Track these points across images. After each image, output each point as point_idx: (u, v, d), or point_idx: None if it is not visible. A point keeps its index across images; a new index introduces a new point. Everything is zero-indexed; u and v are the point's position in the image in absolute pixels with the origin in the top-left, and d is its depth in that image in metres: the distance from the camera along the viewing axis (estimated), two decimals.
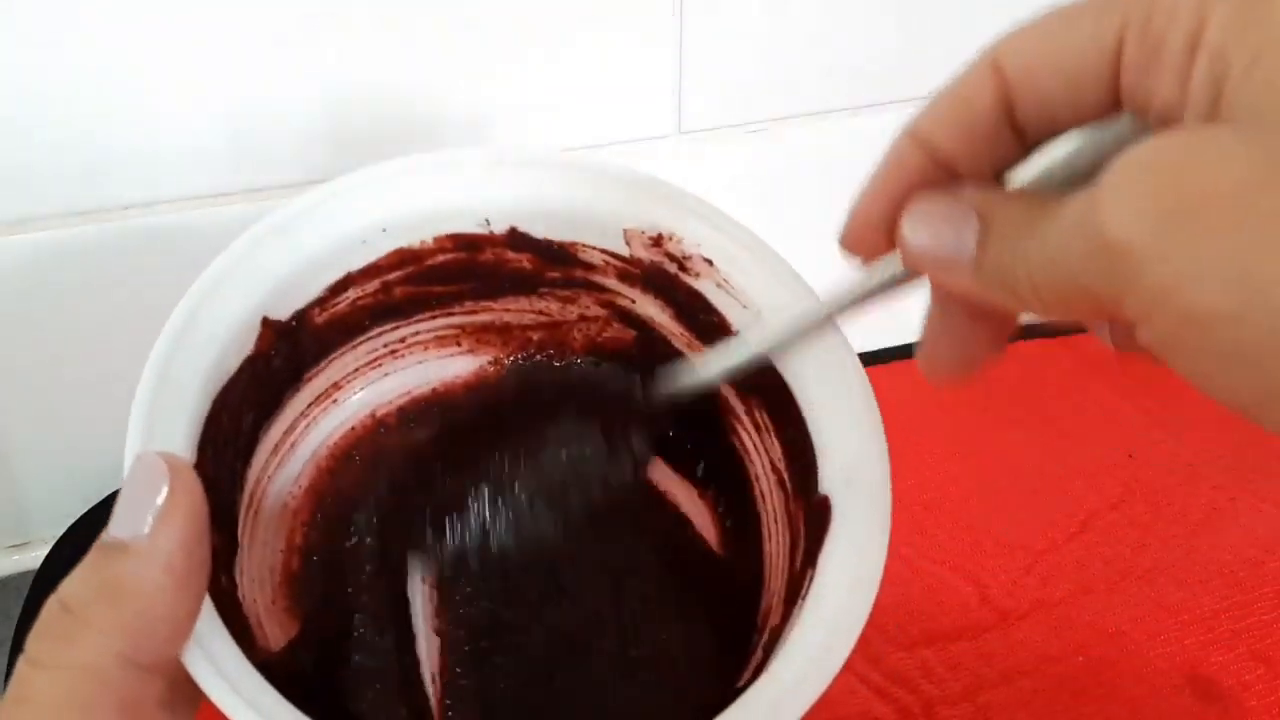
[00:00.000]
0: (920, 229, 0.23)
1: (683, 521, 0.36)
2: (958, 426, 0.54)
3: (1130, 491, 0.51)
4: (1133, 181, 0.19)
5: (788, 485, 0.31)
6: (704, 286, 0.32)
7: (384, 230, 0.31)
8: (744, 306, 0.31)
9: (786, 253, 0.31)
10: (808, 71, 0.50)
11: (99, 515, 0.33)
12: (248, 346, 0.29)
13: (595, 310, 0.35)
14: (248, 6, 0.40)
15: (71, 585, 0.22)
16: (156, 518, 0.23)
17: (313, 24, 0.41)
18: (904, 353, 0.57)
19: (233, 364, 0.29)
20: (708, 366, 0.30)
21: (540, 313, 0.35)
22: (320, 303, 0.31)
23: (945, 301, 0.26)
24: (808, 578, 0.27)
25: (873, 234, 0.25)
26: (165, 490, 0.23)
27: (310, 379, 0.33)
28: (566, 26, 0.45)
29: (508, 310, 0.35)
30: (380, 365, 0.35)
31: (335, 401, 0.34)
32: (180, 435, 0.26)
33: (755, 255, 0.31)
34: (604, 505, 0.30)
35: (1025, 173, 0.23)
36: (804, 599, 0.27)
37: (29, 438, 0.47)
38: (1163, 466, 0.52)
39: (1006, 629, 0.45)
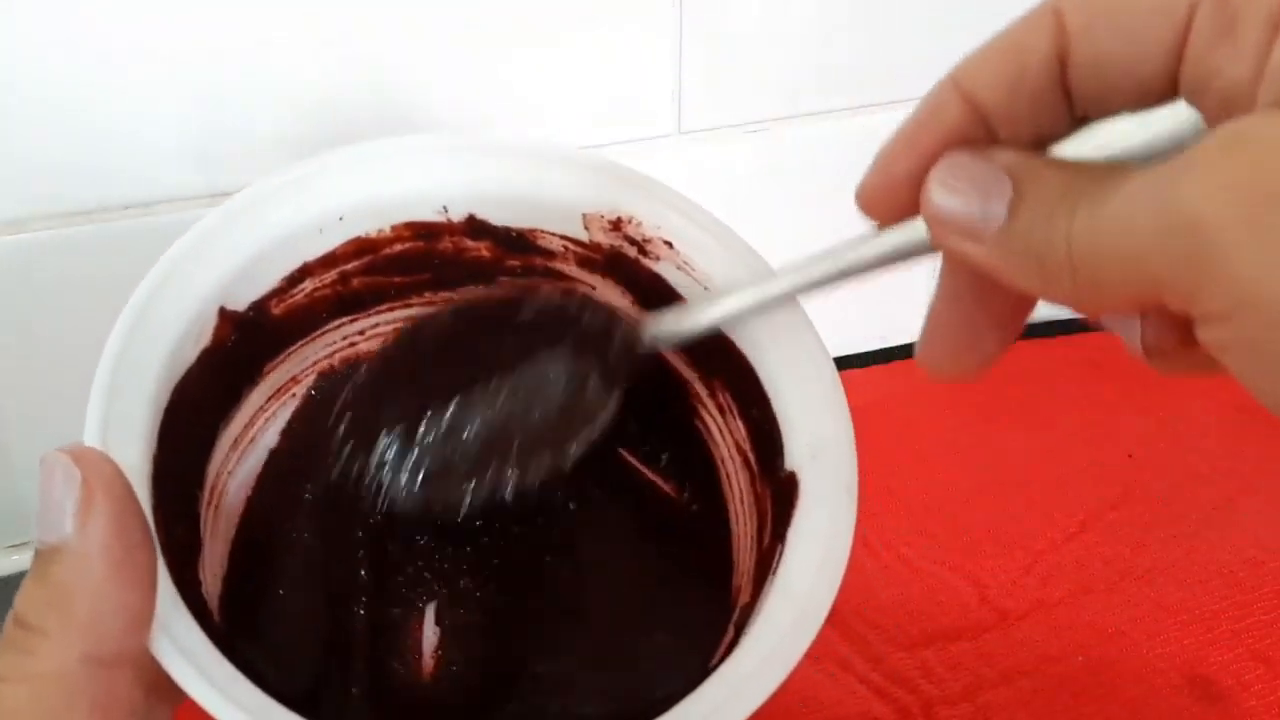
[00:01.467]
0: (949, 188, 0.21)
1: (651, 504, 0.35)
2: (958, 426, 0.54)
3: (1130, 491, 0.51)
4: (1227, 156, 0.17)
5: (753, 465, 0.31)
6: (665, 270, 0.32)
7: (340, 218, 0.31)
8: (705, 289, 0.31)
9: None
10: (807, 71, 0.50)
11: None
12: (205, 338, 0.29)
13: None
14: (244, 7, 0.40)
15: (21, 599, 0.22)
16: (76, 513, 0.22)
17: (307, 22, 0.41)
18: (904, 353, 0.57)
19: (190, 355, 0.28)
20: (661, 330, 0.29)
21: None
22: (278, 293, 0.31)
23: (955, 287, 0.24)
24: (777, 553, 0.27)
25: (895, 192, 0.22)
26: (78, 483, 0.22)
27: (269, 372, 0.33)
28: (566, 26, 0.45)
29: None
30: (339, 358, 0.35)
31: (294, 395, 0.34)
32: (138, 428, 0.26)
33: (716, 237, 0.31)
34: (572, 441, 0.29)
35: (1065, 150, 0.21)
36: (774, 575, 0.26)
37: (29, 438, 0.47)
38: (1163, 466, 0.52)
39: (1006, 629, 0.45)
